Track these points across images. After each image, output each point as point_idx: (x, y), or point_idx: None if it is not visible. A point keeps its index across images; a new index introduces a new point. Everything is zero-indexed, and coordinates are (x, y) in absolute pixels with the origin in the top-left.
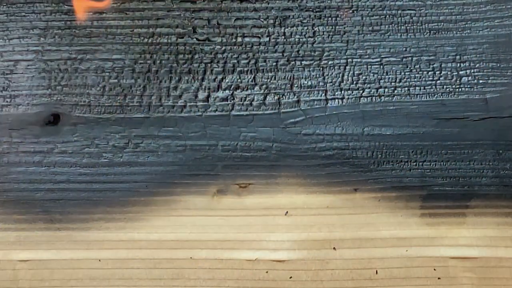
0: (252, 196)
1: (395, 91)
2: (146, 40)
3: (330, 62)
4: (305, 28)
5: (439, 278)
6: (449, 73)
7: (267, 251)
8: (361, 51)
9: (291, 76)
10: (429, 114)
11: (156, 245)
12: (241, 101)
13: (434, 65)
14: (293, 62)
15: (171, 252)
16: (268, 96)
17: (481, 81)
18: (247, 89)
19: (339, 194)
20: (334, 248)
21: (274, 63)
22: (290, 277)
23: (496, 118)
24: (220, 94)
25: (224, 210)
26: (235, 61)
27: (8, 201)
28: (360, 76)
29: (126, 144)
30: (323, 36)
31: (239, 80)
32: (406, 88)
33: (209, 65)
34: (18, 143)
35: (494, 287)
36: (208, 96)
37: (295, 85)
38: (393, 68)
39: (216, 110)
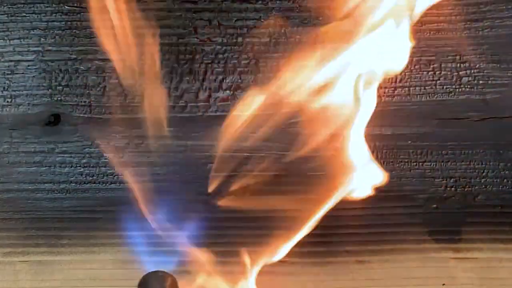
0: (252, 196)
1: (395, 92)
2: (146, 40)
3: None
4: (306, 28)
5: (439, 279)
6: (449, 73)
7: (267, 252)
8: None
9: None
10: (429, 114)
11: (157, 245)
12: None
13: (434, 65)
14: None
15: (172, 252)
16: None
17: (481, 82)
18: (247, 89)
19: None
20: (334, 247)
21: (275, 63)
22: (291, 278)
23: (496, 118)
24: (221, 94)
25: (224, 210)
26: (236, 61)
27: (9, 201)
28: None
29: (127, 144)
30: (323, 36)
31: (239, 81)
32: (406, 88)
33: (209, 65)
34: (19, 143)
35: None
36: (209, 96)
37: None
38: None
39: (217, 110)
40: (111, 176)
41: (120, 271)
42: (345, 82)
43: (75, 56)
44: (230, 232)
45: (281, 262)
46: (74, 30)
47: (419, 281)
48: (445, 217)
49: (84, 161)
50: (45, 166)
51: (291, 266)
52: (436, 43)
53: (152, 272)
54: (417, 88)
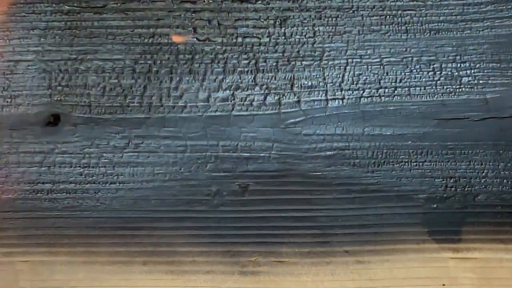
0: (252, 196)
1: (395, 91)
2: (146, 40)
3: (330, 62)
4: (306, 28)
5: (439, 279)
6: (449, 73)
7: (267, 252)
8: (361, 52)
9: (291, 77)
10: (429, 114)
11: (157, 245)
12: (241, 101)
13: (435, 65)
14: (294, 63)
15: (171, 251)
16: (268, 97)
17: (481, 82)
18: (247, 89)
19: (339, 194)
20: (334, 247)
21: (275, 64)
22: (291, 278)
23: (497, 118)
24: (221, 94)
25: (224, 210)
26: (236, 61)
27: (9, 201)
28: (361, 77)
29: (127, 144)
30: (323, 36)
31: (239, 81)
32: (407, 88)
33: (209, 65)
34: (19, 143)
35: None
36: (209, 96)
37: (296, 85)
38: (393, 68)
39: (217, 110)
40: (111, 176)
41: (120, 270)
42: None
43: (75, 56)
44: (230, 232)
45: (281, 262)
46: (74, 30)
47: (419, 281)
48: (445, 217)
49: (84, 161)
50: (45, 166)
51: (291, 266)
52: (436, 43)
53: None
54: (417, 88)
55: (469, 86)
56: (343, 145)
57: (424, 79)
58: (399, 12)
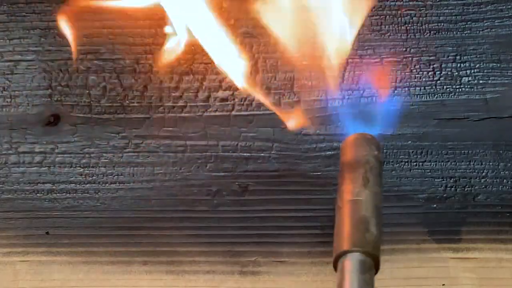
0: (252, 196)
1: (395, 91)
2: (146, 40)
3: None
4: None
5: (439, 279)
6: (449, 73)
7: (267, 252)
8: (361, 51)
9: (291, 76)
10: (429, 114)
11: (157, 245)
12: (241, 101)
13: (434, 65)
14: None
15: (171, 251)
16: (268, 96)
17: (481, 81)
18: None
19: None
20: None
21: (275, 64)
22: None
23: (496, 118)
24: (221, 94)
25: (224, 210)
26: None
27: (9, 201)
28: (361, 77)
29: (126, 144)
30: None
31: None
32: (406, 88)
33: (209, 65)
34: (19, 143)
35: None
36: (209, 96)
37: (296, 85)
38: (393, 68)
39: (217, 110)
40: (111, 176)
41: (120, 270)
42: None
43: (75, 56)
44: (230, 232)
45: (281, 262)
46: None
47: (419, 281)
48: (445, 217)
49: (84, 161)
50: (45, 166)
51: (291, 266)
52: (436, 43)
53: (360, 133)
54: (417, 88)
55: (469, 86)
56: None
57: (424, 79)
58: (399, 12)
